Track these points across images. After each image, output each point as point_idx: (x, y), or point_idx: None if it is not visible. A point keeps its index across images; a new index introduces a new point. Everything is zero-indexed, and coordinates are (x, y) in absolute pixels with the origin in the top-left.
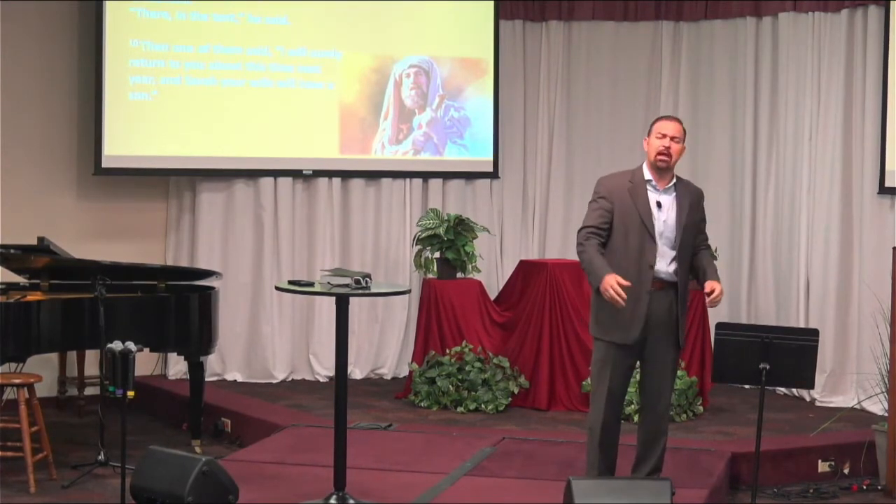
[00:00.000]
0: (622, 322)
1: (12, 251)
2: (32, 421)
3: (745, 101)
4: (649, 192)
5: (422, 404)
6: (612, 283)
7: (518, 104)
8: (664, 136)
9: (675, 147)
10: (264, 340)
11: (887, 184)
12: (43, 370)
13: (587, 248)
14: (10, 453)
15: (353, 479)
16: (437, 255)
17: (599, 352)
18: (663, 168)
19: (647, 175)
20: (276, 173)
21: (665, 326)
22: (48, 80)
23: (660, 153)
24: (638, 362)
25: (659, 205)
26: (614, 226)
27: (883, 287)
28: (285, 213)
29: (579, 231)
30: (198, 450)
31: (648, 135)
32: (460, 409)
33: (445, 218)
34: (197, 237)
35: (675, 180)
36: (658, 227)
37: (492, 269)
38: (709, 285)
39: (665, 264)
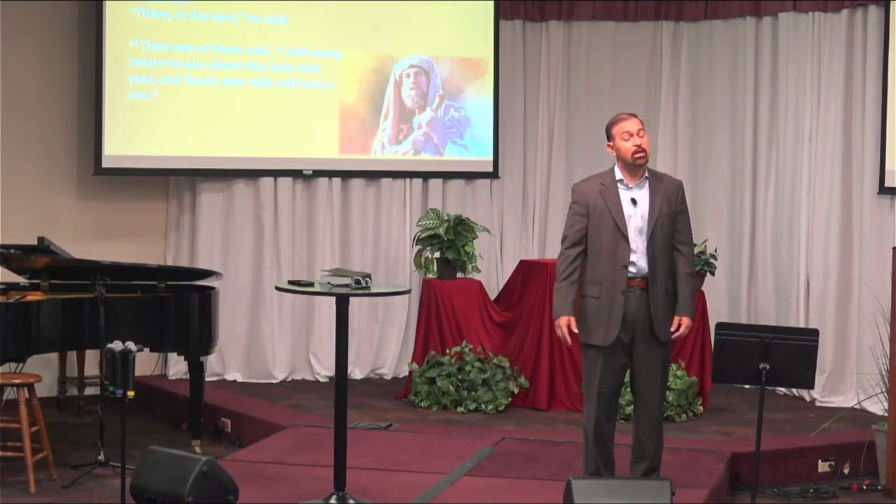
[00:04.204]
0: (601, 324)
1: (12, 251)
2: (32, 421)
3: (745, 101)
4: (621, 192)
5: (422, 404)
6: (563, 327)
7: (518, 104)
8: (630, 134)
9: (645, 141)
10: (264, 340)
11: (887, 184)
12: (43, 370)
13: (561, 282)
14: (10, 453)
15: (353, 479)
16: (437, 255)
17: (587, 356)
18: (643, 165)
19: (619, 175)
20: (276, 173)
21: (645, 324)
22: (48, 80)
23: (636, 153)
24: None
25: (634, 202)
26: (590, 230)
27: (883, 287)
28: (285, 213)
29: (562, 244)
30: (198, 450)
31: (610, 139)
32: (460, 409)
33: (445, 218)
34: (197, 237)
35: (646, 174)
36: (636, 223)
37: (492, 269)
38: (675, 322)
39: (643, 261)
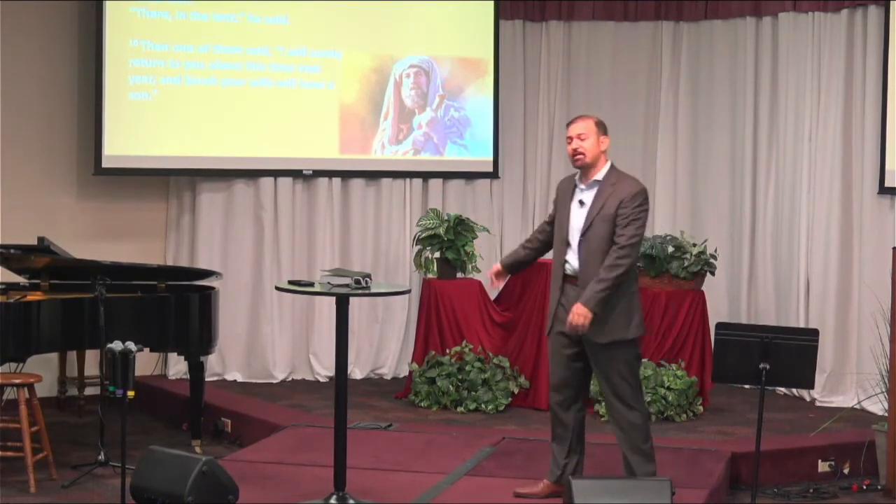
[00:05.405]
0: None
1: (12, 251)
2: (32, 421)
3: (745, 100)
4: (575, 192)
5: (422, 404)
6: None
7: (518, 104)
8: (570, 139)
9: (583, 145)
10: (264, 340)
11: (887, 184)
12: (43, 370)
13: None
14: (10, 453)
15: (353, 479)
16: (437, 255)
17: None
18: (583, 167)
19: (578, 175)
20: (276, 173)
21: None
22: (48, 80)
23: (572, 157)
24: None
25: (581, 203)
26: (555, 222)
27: (883, 287)
28: (285, 213)
29: None
30: (198, 450)
31: None
32: (460, 409)
33: (445, 218)
34: (197, 237)
35: (600, 175)
36: (577, 223)
37: None
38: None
39: (576, 261)
